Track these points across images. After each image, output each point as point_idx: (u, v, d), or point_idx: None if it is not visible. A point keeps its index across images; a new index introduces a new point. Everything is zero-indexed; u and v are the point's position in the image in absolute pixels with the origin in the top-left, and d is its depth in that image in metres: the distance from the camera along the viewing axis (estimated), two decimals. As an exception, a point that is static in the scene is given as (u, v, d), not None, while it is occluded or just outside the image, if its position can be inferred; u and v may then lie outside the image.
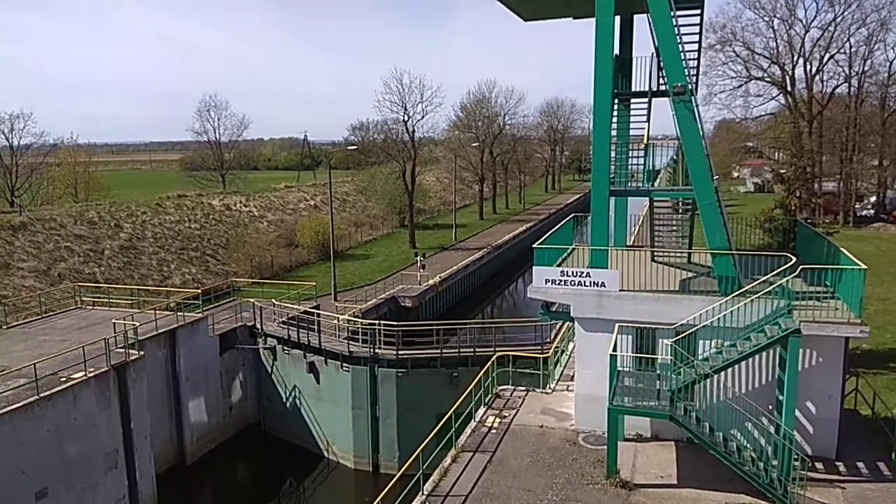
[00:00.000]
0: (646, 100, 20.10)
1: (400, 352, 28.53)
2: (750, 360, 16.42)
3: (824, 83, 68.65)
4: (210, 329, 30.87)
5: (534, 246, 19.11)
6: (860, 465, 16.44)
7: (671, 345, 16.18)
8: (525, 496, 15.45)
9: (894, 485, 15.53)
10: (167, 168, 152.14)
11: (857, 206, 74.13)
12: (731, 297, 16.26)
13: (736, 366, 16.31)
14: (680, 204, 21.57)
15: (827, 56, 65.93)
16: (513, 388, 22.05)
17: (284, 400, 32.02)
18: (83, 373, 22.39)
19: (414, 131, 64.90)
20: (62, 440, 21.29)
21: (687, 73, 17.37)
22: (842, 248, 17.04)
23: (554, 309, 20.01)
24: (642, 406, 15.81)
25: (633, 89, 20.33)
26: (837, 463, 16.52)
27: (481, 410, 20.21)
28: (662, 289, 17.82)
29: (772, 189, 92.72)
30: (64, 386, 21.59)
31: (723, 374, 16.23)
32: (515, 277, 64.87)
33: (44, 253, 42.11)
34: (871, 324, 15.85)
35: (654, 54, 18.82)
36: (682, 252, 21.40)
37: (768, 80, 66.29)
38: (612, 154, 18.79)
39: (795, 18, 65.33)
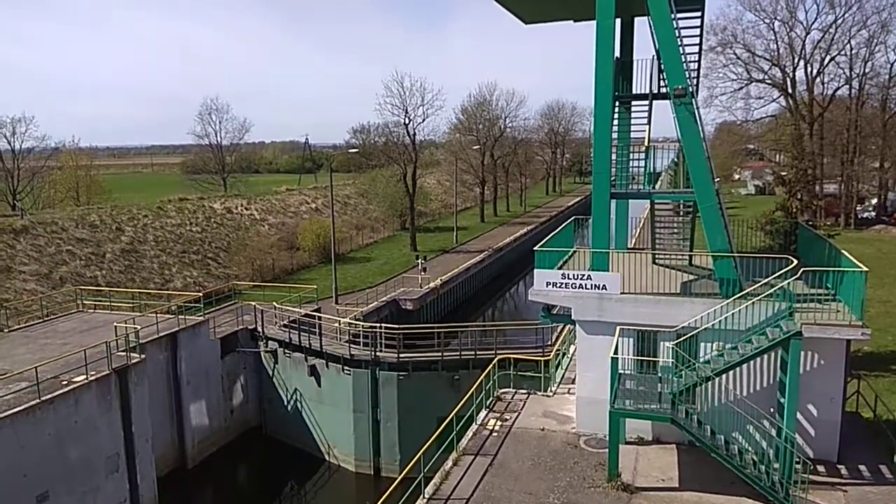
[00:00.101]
0: (646, 102, 20.11)
1: (401, 355, 28.52)
2: (751, 362, 16.39)
3: (825, 85, 68.74)
4: (211, 332, 30.88)
5: (535, 248, 19.10)
6: (862, 468, 16.41)
7: (672, 347, 16.16)
8: (526, 499, 15.42)
9: (896, 488, 15.50)
10: (168, 171, 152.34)
11: (858, 209, 74.05)
12: (732, 299, 16.25)
13: (737, 368, 16.28)
14: (681, 206, 21.55)
15: (828, 58, 66.00)
16: (514, 391, 22.03)
17: (286, 403, 32.01)
18: (84, 376, 22.39)
19: (415, 134, 64.93)
20: (63, 443, 21.29)
21: (687, 76, 17.37)
22: (843, 251, 17.02)
23: (555, 312, 20.00)
24: (644, 409, 15.79)
25: (634, 92, 20.36)
26: (839, 466, 16.49)
27: (482, 413, 20.19)
28: (664, 291, 17.81)
29: (773, 191, 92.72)
30: (65, 389, 21.59)
31: (724, 376, 16.21)
32: (516, 280, 64.85)
33: (45, 256, 42.15)
34: (872, 326, 15.84)
35: (655, 57, 18.84)
36: (683, 254, 21.39)
37: (769, 82, 66.31)
38: (613, 157, 18.80)
39: (796, 20, 65.44)
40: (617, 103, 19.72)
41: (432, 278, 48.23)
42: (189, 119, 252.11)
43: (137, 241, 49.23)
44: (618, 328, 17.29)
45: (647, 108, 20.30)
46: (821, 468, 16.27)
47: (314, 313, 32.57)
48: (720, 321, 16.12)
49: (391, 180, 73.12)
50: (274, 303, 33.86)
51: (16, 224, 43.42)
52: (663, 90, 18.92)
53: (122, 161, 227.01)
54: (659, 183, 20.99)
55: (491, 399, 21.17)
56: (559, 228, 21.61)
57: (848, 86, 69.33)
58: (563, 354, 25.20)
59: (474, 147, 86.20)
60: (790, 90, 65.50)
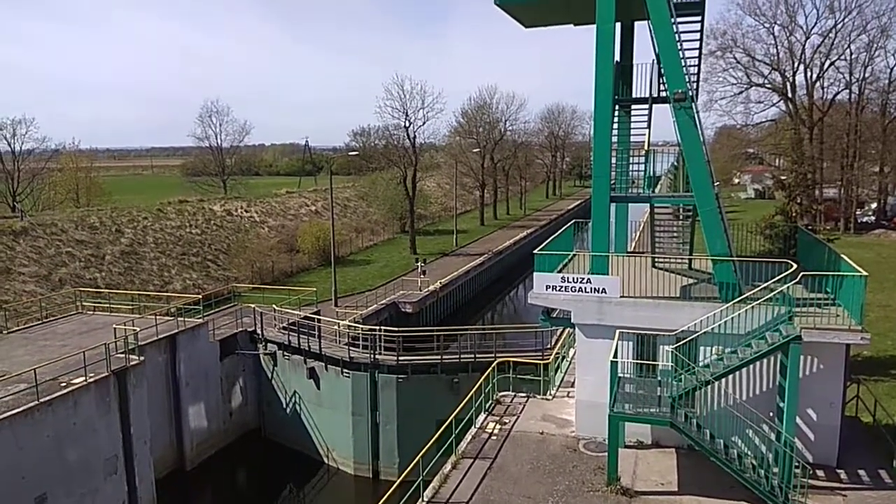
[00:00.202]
0: (646, 106, 20.11)
1: (400, 357, 28.51)
2: (751, 366, 16.39)
3: (825, 90, 68.85)
4: (210, 334, 30.87)
5: (534, 252, 19.11)
6: (861, 472, 16.39)
7: (672, 351, 16.15)
8: (525, 503, 15.40)
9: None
10: (168, 173, 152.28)
11: (857, 213, 74.09)
12: (731, 303, 16.25)
13: (737, 372, 16.27)
14: (681, 210, 21.57)
15: (827, 63, 66.09)
16: (513, 394, 22.01)
17: (285, 405, 31.99)
18: (83, 378, 22.37)
19: (415, 137, 65.01)
20: (62, 445, 21.27)
21: (687, 80, 17.39)
22: (843, 255, 17.02)
23: (555, 315, 20.01)
24: (643, 413, 15.77)
25: (634, 96, 20.37)
26: (839, 470, 16.47)
27: (482, 417, 20.17)
28: (663, 295, 17.82)
29: (772, 195, 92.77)
30: (64, 391, 21.57)
31: (724, 380, 16.20)
32: (516, 283, 64.84)
33: (45, 258, 42.14)
34: (871, 330, 15.83)
35: (655, 61, 18.86)
36: (682, 258, 21.39)
37: (769, 86, 66.40)
38: (613, 160, 18.81)
39: (796, 25, 65.51)
40: (617, 107, 19.73)
41: (432, 281, 48.23)
42: (189, 121, 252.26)
43: (137, 243, 49.23)
44: (617, 332, 17.29)
45: (646, 111, 20.31)
46: (820, 473, 16.26)
47: (313, 316, 32.56)
48: (720, 325, 16.11)
49: (391, 183, 73.17)
50: (273, 305, 33.85)
51: (15, 226, 43.43)
52: (663, 94, 18.93)
53: (122, 163, 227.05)
54: (659, 187, 21.01)
55: (490, 402, 21.16)
56: (559, 232, 21.61)
57: (848, 90, 69.54)
58: (563, 358, 25.19)
59: (474, 150, 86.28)
60: (790, 94, 65.59)
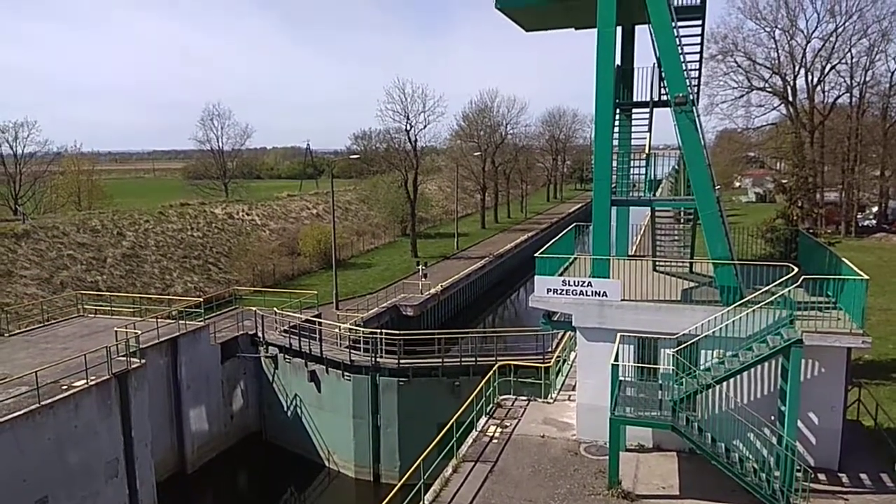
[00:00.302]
0: (647, 110, 20.15)
1: (401, 361, 28.50)
2: (752, 370, 16.39)
3: (826, 93, 68.85)
4: (212, 337, 30.88)
5: (536, 255, 19.13)
6: (863, 476, 16.37)
7: (673, 355, 16.16)
8: (526, 506, 15.39)
9: (897, 496, 15.47)
10: (170, 177, 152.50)
11: (858, 217, 74.04)
12: (732, 307, 16.25)
13: (738, 376, 16.28)
14: (682, 214, 21.58)
15: (828, 66, 66.11)
16: (514, 397, 22.01)
17: (286, 408, 31.98)
18: (85, 381, 22.39)
19: (416, 140, 65.05)
20: (63, 448, 21.27)
21: (688, 84, 17.42)
22: (844, 259, 17.03)
23: (556, 318, 20.00)
24: (644, 416, 15.77)
25: (635, 99, 20.43)
26: (840, 474, 16.45)
27: (483, 420, 20.17)
28: (664, 298, 17.81)
29: (773, 199, 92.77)
30: (65, 394, 21.59)
31: (725, 384, 16.20)
32: (517, 287, 64.84)
33: (46, 261, 42.19)
34: (873, 334, 15.85)
35: (656, 65, 18.90)
36: (683, 262, 21.40)
37: (770, 90, 66.41)
38: (614, 164, 18.84)
39: (797, 29, 65.54)
40: (618, 111, 19.76)
41: (433, 284, 48.24)
42: (190, 124, 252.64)
43: (138, 246, 49.28)
44: (618, 335, 17.29)
45: (647, 115, 20.35)
46: (822, 476, 16.24)
47: (315, 319, 32.55)
48: (721, 329, 16.11)
49: (392, 186, 73.20)
50: (274, 308, 33.86)
51: (17, 228, 43.47)
52: (664, 98, 18.97)
53: (123, 166, 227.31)
54: (660, 190, 21.01)
55: (491, 405, 21.15)
56: (560, 235, 21.62)
57: (849, 94, 69.56)
58: (564, 361, 25.18)
59: (475, 153, 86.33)
60: (791, 98, 65.63)
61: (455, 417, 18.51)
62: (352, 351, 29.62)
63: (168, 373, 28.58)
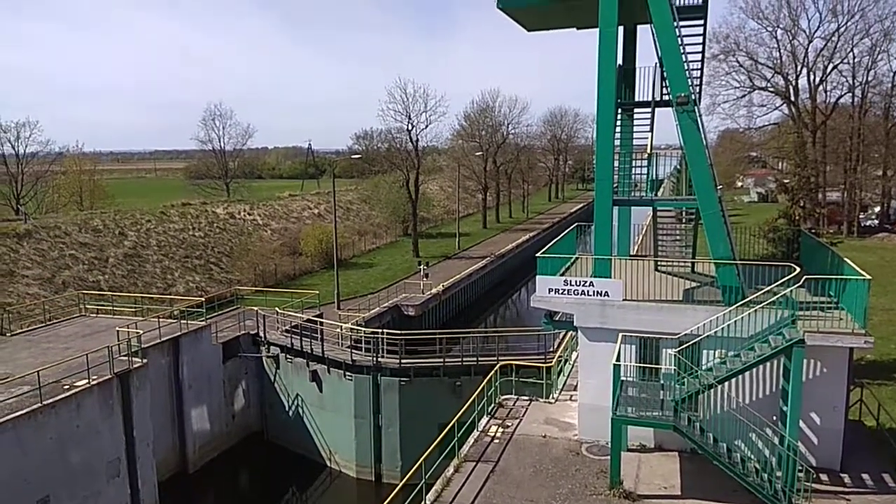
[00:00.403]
0: (649, 110, 20.15)
1: (403, 360, 28.50)
2: (754, 370, 16.37)
3: (828, 93, 68.72)
4: (213, 337, 30.90)
5: (537, 255, 19.11)
6: (865, 476, 16.35)
7: (675, 355, 16.14)
8: (528, 506, 15.38)
9: (900, 497, 15.44)
10: (172, 176, 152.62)
11: (861, 217, 73.95)
12: (734, 307, 16.23)
13: (740, 376, 16.25)
14: (683, 213, 21.57)
15: (830, 66, 65.97)
16: (516, 397, 22.00)
17: (287, 408, 31.99)
18: (86, 380, 22.42)
19: (418, 140, 65.09)
20: (65, 448, 21.30)
21: (690, 83, 17.40)
22: (846, 259, 17.00)
23: (557, 318, 19.99)
24: (646, 416, 15.75)
25: (637, 99, 20.42)
26: (842, 474, 16.43)
27: (484, 420, 20.16)
28: (666, 298, 17.79)
29: (775, 199, 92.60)
30: (67, 394, 21.62)
31: (727, 384, 16.18)
32: (519, 286, 64.84)
33: (48, 261, 42.24)
34: (875, 334, 15.80)
35: (658, 64, 18.87)
36: (685, 262, 21.38)
37: (772, 90, 66.30)
38: (616, 164, 18.81)
39: (799, 29, 65.42)
40: (619, 110, 19.75)
41: (434, 284, 48.24)
42: (190, 124, 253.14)
43: (140, 246, 49.33)
44: (620, 335, 17.27)
45: (649, 115, 20.34)
46: (824, 477, 16.22)
47: (316, 318, 32.57)
48: (723, 329, 16.09)
49: (394, 186, 73.23)
50: (276, 308, 33.89)
51: (19, 228, 43.54)
52: (666, 98, 18.94)
53: (125, 166, 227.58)
54: (661, 190, 21.01)
55: (493, 405, 21.14)
56: (561, 235, 21.60)
57: (851, 94, 69.46)
58: (565, 361, 25.17)
59: (477, 153, 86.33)
60: (793, 98, 65.52)
61: (456, 417, 18.52)
62: (353, 351, 29.63)
63: (170, 372, 28.60)
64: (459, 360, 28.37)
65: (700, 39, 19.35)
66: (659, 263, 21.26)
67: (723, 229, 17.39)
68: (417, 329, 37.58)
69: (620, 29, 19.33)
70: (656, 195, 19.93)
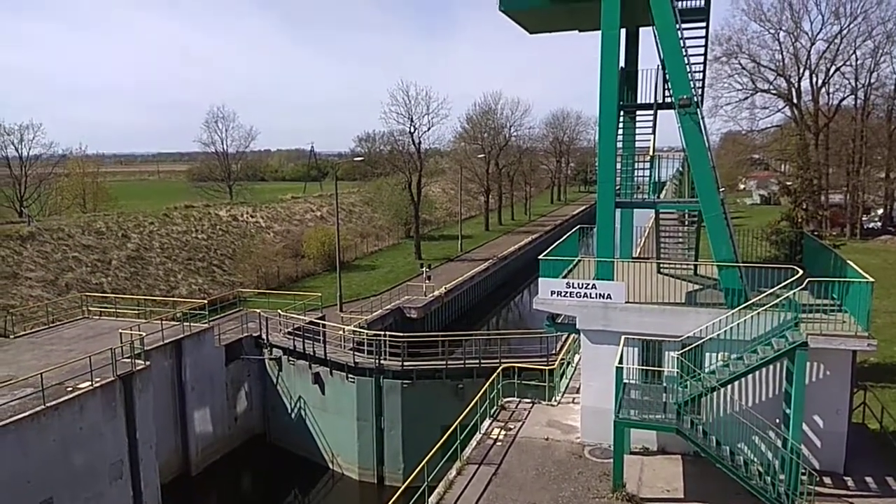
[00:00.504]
0: (651, 112, 20.14)
1: (405, 363, 28.49)
2: (757, 373, 16.34)
3: (830, 95, 68.62)
4: (216, 339, 30.92)
5: (539, 257, 19.10)
6: (868, 479, 16.31)
7: (677, 357, 16.12)
8: (530, 509, 15.36)
9: (903, 500, 15.39)
10: (175, 179, 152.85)
11: (864, 219, 73.84)
12: (737, 309, 16.21)
13: (743, 379, 16.23)
14: (686, 216, 21.55)
15: (833, 68, 65.91)
16: (518, 400, 21.97)
17: (289, 411, 32.00)
18: (89, 383, 22.43)
19: (420, 143, 65.14)
20: (68, 450, 21.31)
21: (692, 86, 17.41)
22: (849, 261, 16.99)
23: (560, 321, 19.98)
24: (649, 419, 15.74)
25: (639, 101, 20.43)
26: (845, 477, 16.39)
27: (486, 422, 20.15)
28: (668, 301, 17.78)
29: (778, 201, 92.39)
30: (70, 396, 21.64)
31: (729, 387, 16.16)
32: (521, 289, 64.77)
33: (51, 263, 42.33)
34: (878, 337, 15.78)
35: (660, 67, 18.88)
36: (688, 264, 21.36)
37: (774, 92, 66.24)
38: (618, 166, 18.82)
39: (801, 31, 65.35)
40: (622, 113, 19.76)
41: (437, 286, 48.24)
42: (190, 125, 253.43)
43: (143, 248, 49.41)
44: (622, 337, 17.26)
45: (651, 117, 20.34)
46: (827, 480, 16.18)
47: (318, 321, 32.58)
48: (725, 331, 16.08)
49: (396, 188, 73.29)
50: (279, 310, 33.91)
51: (23, 230, 43.64)
52: (668, 100, 18.95)
53: (128, 168, 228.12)
54: (664, 192, 20.97)
55: (495, 408, 21.12)
56: (564, 237, 21.61)
57: (853, 96, 69.41)
58: (568, 363, 25.13)
59: (479, 156, 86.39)
60: (795, 100, 65.46)
61: (459, 420, 18.49)
62: (356, 353, 29.63)
63: (172, 375, 28.63)
64: (462, 362, 28.35)
65: (702, 42, 19.36)
66: (661, 266, 21.24)
67: (725, 231, 17.38)
68: (420, 331, 37.57)
69: (623, 31, 19.33)
70: (659, 197, 19.91)
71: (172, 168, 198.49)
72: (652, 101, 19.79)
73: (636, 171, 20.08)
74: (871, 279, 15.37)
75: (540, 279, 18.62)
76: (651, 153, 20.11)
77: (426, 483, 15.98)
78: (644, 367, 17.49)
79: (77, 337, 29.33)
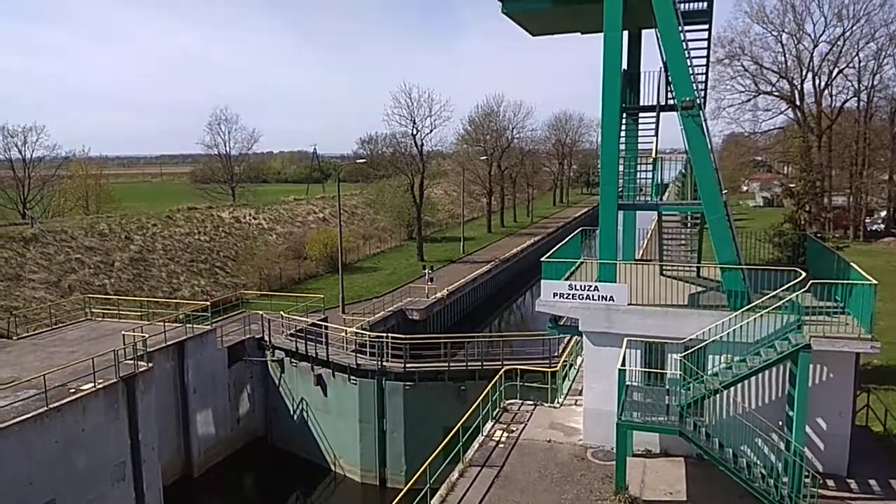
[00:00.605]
0: (654, 114, 20.11)
1: (407, 365, 28.49)
2: (760, 375, 16.30)
3: (833, 97, 68.65)
4: (218, 341, 30.94)
5: (542, 259, 19.10)
6: (872, 482, 16.26)
7: (680, 359, 16.09)
8: (533, 511, 15.34)
9: (907, 503, 15.35)
10: (177, 181, 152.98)
11: (867, 221, 73.70)
12: (740, 311, 16.18)
13: (746, 381, 16.18)
14: (689, 218, 21.54)
15: (836, 70, 65.90)
16: (520, 402, 21.95)
17: (292, 412, 32.00)
18: (92, 384, 22.46)
19: (422, 145, 65.20)
20: (70, 451, 21.33)
21: (695, 88, 17.42)
22: (852, 263, 16.94)
23: (562, 323, 19.96)
24: (651, 421, 15.70)
25: (642, 103, 20.40)
26: (849, 480, 16.35)
27: (489, 424, 20.13)
28: (671, 303, 17.76)
29: (781, 203, 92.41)
30: (73, 397, 21.66)
31: (732, 389, 16.11)
32: (523, 291, 64.76)
33: (54, 265, 42.41)
34: (881, 339, 15.73)
35: (663, 69, 18.88)
36: (690, 266, 21.33)
37: (777, 94, 66.21)
38: (621, 168, 18.82)
39: (804, 33, 65.32)
40: (624, 115, 19.75)
41: (439, 288, 48.26)
42: (191, 126, 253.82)
43: (146, 250, 49.50)
44: (625, 339, 17.24)
45: (654, 119, 20.31)
46: (830, 482, 16.13)
47: (321, 323, 32.61)
48: (728, 333, 16.04)
49: (398, 190, 73.35)
50: (281, 312, 33.93)
51: (26, 232, 43.75)
52: (671, 102, 18.94)
53: (131, 170, 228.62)
54: (666, 194, 20.96)
55: (497, 410, 21.10)
56: (566, 239, 21.60)
57: (856, 98, 69.35)
58: (570, 366, 25.11)
59: (481, 158, 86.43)
60: (798, 102, 65.42)
61: (461, 422, 18.48)
62: (358, 355, 29.62)
63: (175, 376, 28.65)
64: (464, 364, 28.33)
65: (705, 44, 19.37)
66: (664, 268, 21.21)
67: (728, 233, 17.36)
68: (422, 333, 37.57)
69: (625, 33, 19.37)
70: (661, 199, 19.91)
71: (175, 170, 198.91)
72: (654, 103, 19.77)
73: (639, 174, 20.08)
74: (875, 281, 15.34)
75: (542, 281, 18.61)
76: (654, 155, 20.10)
77: (428, 485, 15.97)
78: (647, 370, 17.47)
79: (80, 338, 29.37)
